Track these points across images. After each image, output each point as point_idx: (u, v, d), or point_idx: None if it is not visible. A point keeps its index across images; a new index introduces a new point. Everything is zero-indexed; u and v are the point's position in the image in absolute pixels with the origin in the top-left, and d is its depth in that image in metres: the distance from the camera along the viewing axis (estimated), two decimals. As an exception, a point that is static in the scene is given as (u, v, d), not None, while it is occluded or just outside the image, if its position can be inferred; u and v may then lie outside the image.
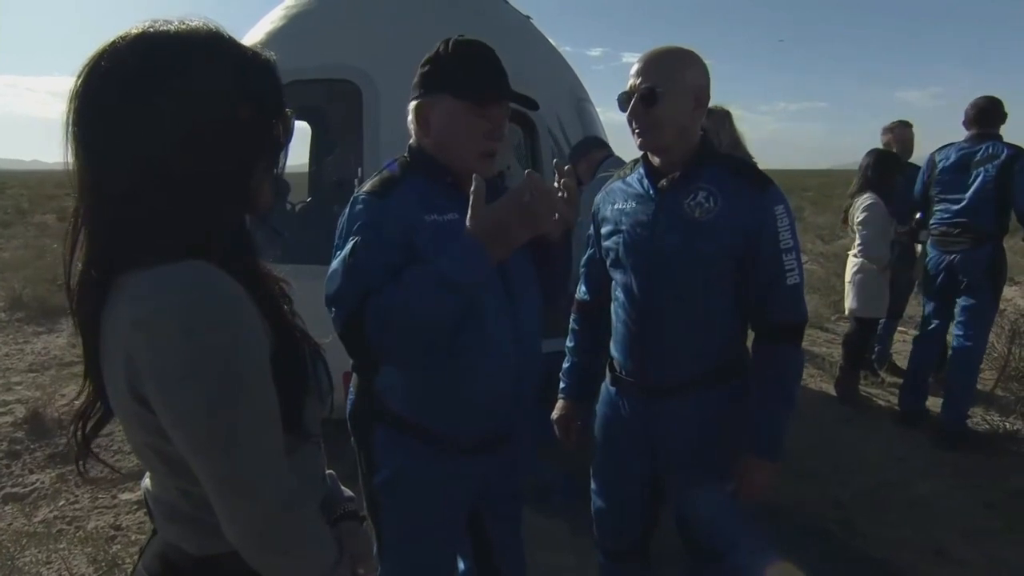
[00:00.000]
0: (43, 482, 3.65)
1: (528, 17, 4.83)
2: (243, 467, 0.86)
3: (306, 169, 6.11)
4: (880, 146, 4.89)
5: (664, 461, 1.92)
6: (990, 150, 4.01)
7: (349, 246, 1.45)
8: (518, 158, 4.94)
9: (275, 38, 3.96)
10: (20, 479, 3.71)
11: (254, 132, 0.93)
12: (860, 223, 4.40)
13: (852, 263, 4.63)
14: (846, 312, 4.82)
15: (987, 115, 4.10)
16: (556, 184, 1.51)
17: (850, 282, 4.62)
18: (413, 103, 1.59)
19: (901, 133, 4.99)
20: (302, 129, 6.23)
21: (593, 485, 2.09)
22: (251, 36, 4.04)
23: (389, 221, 1.45)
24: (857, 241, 4.55)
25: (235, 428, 0.85)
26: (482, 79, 1.53)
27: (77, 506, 3.39)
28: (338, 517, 1.15)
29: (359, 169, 3.81)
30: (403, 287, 1.37)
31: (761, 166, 2.28)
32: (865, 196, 4.41)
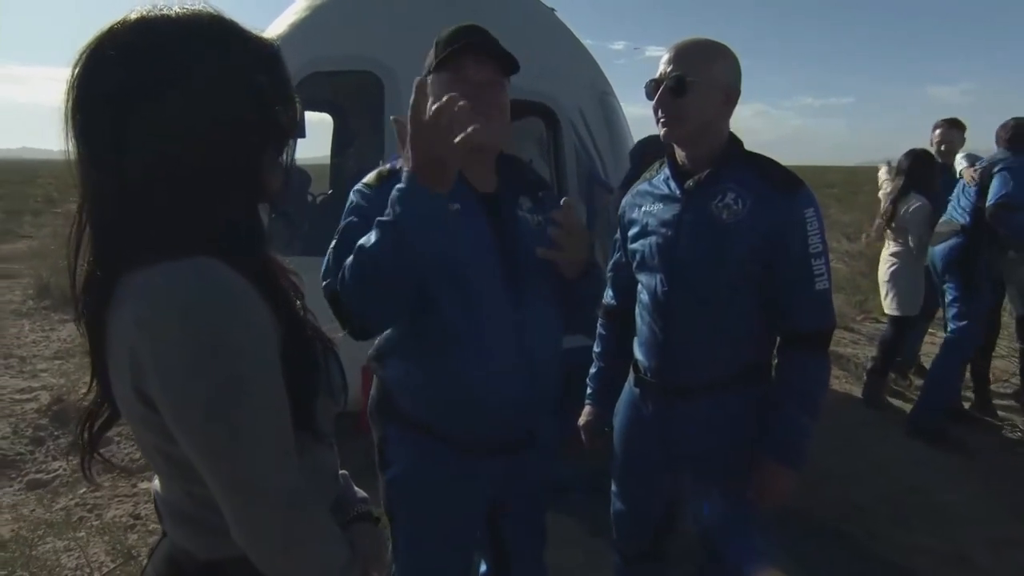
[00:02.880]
0: (64, 469, 3.69)
1: (552, 9, 4.78)
2: (247, 467, 0.84)
3: (328, 161, 6.11)
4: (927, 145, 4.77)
5: (682, 464, 1.89)
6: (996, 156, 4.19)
7: (339, 228, 1.52)
8: (540, 151, 4.90)
9: (298, 29, 3.96)
10: (43, 465, 3.76)
11: (260, 120, 0.89)
12: (910, 224, 4.34)
13: (887, 261, 4.54)
14: (885, 310, 4.70)
15: (1016, 136, 4.21)
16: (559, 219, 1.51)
17: (887, 281, 4.52)
18: None
19: (946, 134, 4.83)
20: (324, 121, 6.23)
21: (613, 487, 2.06)
22: (274, 28, 4.04)
23: (377, 208, 1.44)
24: (891, 246, 4.50)
25: (239, 427, 0.82)
26: (452, 42, 1.50)
27: (97, 494, 3.43)
28: (352, 518, 1.13)
29: (380, 161, 3.80)
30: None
31: (782, 163, 2.21)
32: (910, 197, 4.36)
